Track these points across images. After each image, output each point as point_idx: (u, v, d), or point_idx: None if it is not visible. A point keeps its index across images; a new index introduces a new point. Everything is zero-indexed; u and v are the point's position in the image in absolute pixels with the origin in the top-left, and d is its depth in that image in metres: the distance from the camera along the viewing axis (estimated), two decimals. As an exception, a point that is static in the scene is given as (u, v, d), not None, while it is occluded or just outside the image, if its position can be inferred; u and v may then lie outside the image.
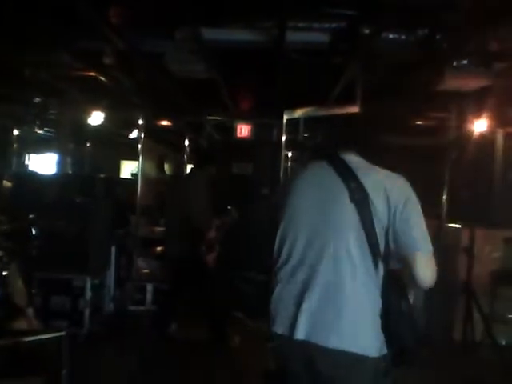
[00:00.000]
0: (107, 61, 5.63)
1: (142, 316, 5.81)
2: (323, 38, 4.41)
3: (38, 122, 8.85)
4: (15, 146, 9.57)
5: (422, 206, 2.00)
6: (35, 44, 5.09)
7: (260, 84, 6.61)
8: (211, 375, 4.23)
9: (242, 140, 8.31)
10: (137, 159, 14.37)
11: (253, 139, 8.34)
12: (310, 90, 6.29)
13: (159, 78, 5.98)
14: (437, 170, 5.96)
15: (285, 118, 7.24)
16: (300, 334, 1.92)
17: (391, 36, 4.50)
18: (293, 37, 4.33)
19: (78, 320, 4.74)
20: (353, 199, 1.95)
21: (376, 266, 1.93)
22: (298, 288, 1.98)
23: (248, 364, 4.41)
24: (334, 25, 4.38)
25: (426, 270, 1.92)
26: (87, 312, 4.78)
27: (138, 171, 12.88)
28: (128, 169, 15.63)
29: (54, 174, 7.86)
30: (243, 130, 8.22)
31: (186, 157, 10.32)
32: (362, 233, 1.93)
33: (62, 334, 2.51)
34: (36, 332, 2.49)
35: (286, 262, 2.04)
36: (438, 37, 4.60)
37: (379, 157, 2.15)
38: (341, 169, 2.03)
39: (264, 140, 8.43)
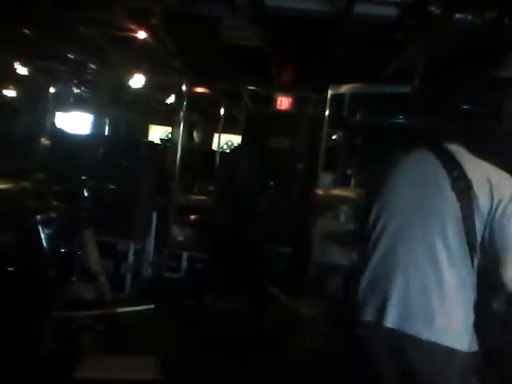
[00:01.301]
0: (154, 21, 5.54)
1: (178, 283, 5.79)
2: (390, 11, 4.25)
3: (75, 81, 8.78)
4: (51, 104, 9.51)
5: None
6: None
7: (307, 56, 6.43)
8: (245, 347, 4.17)
9: (281, 112, 8.17)
10: (166, 124, 14.34)
11: (292, 112, 8.19)
12: (359, 66, 6.11)
13: (207, 42, 5.86)
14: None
15: (329, 92, 7.07)
16: (389, 322, 1.86)
17: (458, 16, 4.32)
18: (359, 9, 4.18)
19: (120, 283, 4.72)
20: (454, 188, 1.87)
21: (472, 259, 1.85)
22: (389, 274, 1.92)
23: (282, 340, 4.39)
24: (402, -1, 4.22)
25: None
26: (129, 276, 4.77)
27: (168, 137, 12.92)
28: (156, 133, 15.60)
29: (95, 135, 7.80)
30: (283, 102, 8.07)
31: (220, 125, 10.24)
32: (461, 223, 1.85)
33: (152, 306, 2.47)
34: (128, 304, 2.46)
35: (376, 247, 1.98)
36: (506, 20, 4.41)
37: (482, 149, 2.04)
38: (444, 157, 1.95)
39: (304, 114, 8.28)
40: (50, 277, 3.20)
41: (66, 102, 10.63)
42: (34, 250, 3.35)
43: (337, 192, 6.43)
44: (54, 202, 3.97)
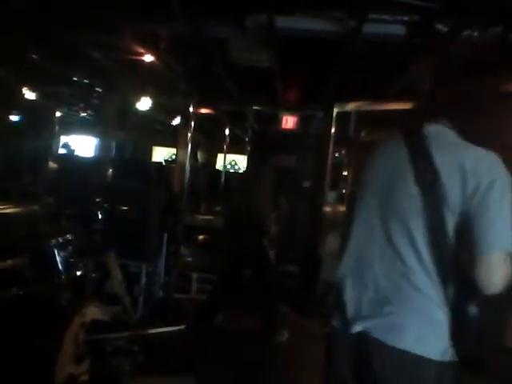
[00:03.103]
0: (162, 44, 5.60)
1: (188, 304, 5.76)
2: (398, 30, 4.29)
3: (81, 105, 8.85)
4: (57, 127, 9.57)
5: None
6: (92, 21, 5.05)
7: (313, 75, 6.48)
8: (257, 367, 4.15)
9: (286, 132, 8.21)
10: (169, 145, 14.40)
11: (297, 131, 8.24)
12: (365, 84, 6.16)
13: (213, 63, 5.91)
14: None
15: (335, 110, 7.12)
16: (357, 327, 1.73)
17: (464, 33, 4.37)
18: (368, 28, 4.21)
19: (132, 306, 4.68)
20: (418, 181, 1.67)
21: (443, 261, 1.64)
22: (359, 279, 1.80)
23: (295, 359, 4.37)
24: (410, 18, 4.27)
25: (495, 275, 1.59)
26: (141, 299, 4.74)
27: (172, 158, 12.96)
28: (159, 155, 15.67)
29: (101, 158, 7.83)
30: (288, 122, 8.12)
31: (225, 146, 10.28)
32: (427, 221, 1.64)
33: (182, 327, 2.45)
34: (159, 325, 2.44)
35: (350, 251, 1.87)
36: (511, 35, 4.47)
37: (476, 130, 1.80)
38: (413, 145, 1.74)
39: (309, 132, 8.32)
40: (66, 299, 3.18)
41: (72, 126, 10.69)
42: (49, 274, 3.34)
43: (343, 209, 6.45)
44: (68, 225, 3.97)
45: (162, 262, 5.50)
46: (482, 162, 1.63)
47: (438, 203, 1.63)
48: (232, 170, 14.64)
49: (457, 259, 1.66)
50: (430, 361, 1.63)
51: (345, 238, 1.90)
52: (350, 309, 1.78)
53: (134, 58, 6.03)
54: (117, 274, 2.90)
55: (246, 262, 4.91)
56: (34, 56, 6.16)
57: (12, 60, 6.20)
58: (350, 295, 1.81)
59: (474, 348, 1.67)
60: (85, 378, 2.38)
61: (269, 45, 4.82)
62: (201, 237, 7.27)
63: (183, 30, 4.78)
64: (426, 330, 1.66)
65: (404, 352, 1.64)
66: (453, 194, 1.62)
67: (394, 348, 1.64)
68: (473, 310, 1.65)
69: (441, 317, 1.67)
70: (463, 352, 1.66)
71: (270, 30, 4.30)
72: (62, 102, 9.26)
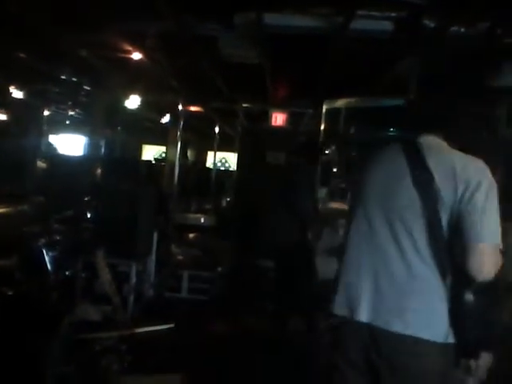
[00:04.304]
0: (151, 42, 5.57)
1: (179, 304, 5.74)
2: (386, 26, 4.30)
3: (70, 103, 8.79)
4: (44, 126, 9.50)
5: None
6: (80, 20, 5.01)
7: (303, 72, 6.48)
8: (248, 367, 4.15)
9: (276, 129, 8.20)
10: (159, 143, 14.35)
11: (287, 128, 8.23)
12: (354, 80, 6.17)
13: (203, 61, 5.89)
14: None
15: (324, 107, 7.13)
16: (363, 317, 1.89)
17: (452, 28, 4.39)
18: (356, 24, 4.22)
19: (122, 305, 4.66)
20: (416, 184, 1.88)
21: (440, 253, 1.84)
22: (361, 270, 1.96)
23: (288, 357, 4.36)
24: (397, 14, 4.28)
25: (486, 265, 1.78)
26: (131, 298, 4.72)
27: (162, 156, 12.92)
28: (149, 153, 15.63)
29: (90, 157, 7.79)
30: (278, 119, 8.11)
31: (215, 144, 10.26)
32: (426, 219, 1.85)
33: (172, 325, 2.45)
34: (148, 323, 2.43)
35: (352, 245, 2.03)
36: (498, 31, 4.49)
37: (465, 140, 2.02)
38: (409, 151, 1.96)
39: (299, 129, 8.33)
40: (55, 299, 3.16)
41: (60, 124, 10.61)
42: (38, 273, 3.32)
43: (335, 205, 6.45)
44: (56, 225, 3.95)
45: (152, 261, 5.48)
46: (470, 166, 1.86)
47: (434, 202, 1.84)
48: (222, 168, 14.62)
49: (453, 252, 1.84)
50: (435, 343, 1.80)
51: (346, 237, 2.06)
52: (356, 300, 1.93)
53: (123, 55, 6.00)
54: (106, 274, 2.89)
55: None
56: (21, 54, 6.11)
57: (-1, 59, 6.15)
58: (355, 288, 1.95)
59: (471, 332, 1.83)
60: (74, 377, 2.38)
61: (258, 42, 4.81)
62: (191, 235, 7.26)
63: (172, 28, 4.76)
64: (428, 316, 1.83)
65: (410, 337, 1.80)
66: (446, 195, 1.83)
67: (400, 335, 1.81)
68: (469, 297, 1.81)
69: (440, 303, 1.84)
70: (461, 335, 1.83)
71: (259, 27, 4.29)
72: (50, 101, 9.19)
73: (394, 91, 5.60)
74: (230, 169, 13.56)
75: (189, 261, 6.50)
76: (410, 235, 1.87)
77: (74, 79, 7.70)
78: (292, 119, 8.47)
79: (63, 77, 7.53)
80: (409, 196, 1.89)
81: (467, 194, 1.80)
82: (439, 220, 1.83)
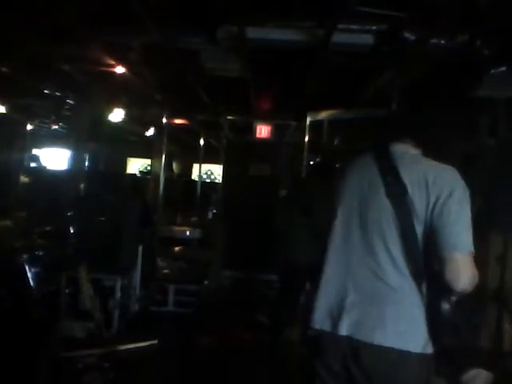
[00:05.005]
0: (134, 56, 5.57)
1: (165, 317, 5.71)
2: (367, 40, 4.35)
3: (53, 117, 8.73)
4: (27, 141, 9.43)
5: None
6: (64, 34, 5.00)
7: (286, 85, 6.53)
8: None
9: (261, 141, 8.24)
10: (144, 157, 14.31)
11: (272, 140, 8.27)
12: (337, 92, 6.23)
13: (186, 74, 5.91)
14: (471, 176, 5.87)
15: (308, 119, 7.17)
16: (343, 330, 1.88)
17: (432, 41, 4.47)
18: (337, 38, 4.27)
19: (107, 320, 4.62)
20: (389, 195, 1.88)
21: (416, 263, 1.84)
22: (340, 283, 1.95)
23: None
24: (378, 27, 4.33)
25: (463, 274, 1.77)
26: (116, 313, 4.68)
27: (147, 169, 12.88)
28: (134, 166, 15.56)
29: (74, 171, 7.73)
30: (263, 131, 8.15)
31: (199, 156, 10.26)
32: (400, 229, 1.85)
33: (155, 342, 2.42)
34: (131, 341, 2.40)
35: (330, 257, 2.02)
36: (478, 43, 4.57)
37: (436, 150, 2.02)
38: (382, 162, 1.95)
39: (283, 141, 8.37)
40: (39, 316, 3.12)
41: (43, 139, 10.54)
42: (21, 290, 3.28)
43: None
44: (40, 240, 3.91)
45: (137, 275, 5.44)
46: (442, 175, 1.86)
47: (408, 213, 1.83)
48: (208, 180, 14.60)
49: (428, 262, 1.84)
50: (412, 354, 1.80)
51: (324, 249, 2.04)
52: (333, 312, 1.92)
53: (106, 69, 6.00)
54: (88, 289, 2.86)
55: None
56: (3, 68, 6.07)
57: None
58: (332, 300, 1.95)
59: (448, 341, 1.83)
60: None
61: (240, 55, 4.84)
62: (177, 248, 7.23)
63: (155, 41, 4.78)
64: (406, 327, 1.83)
65: (390, 348, 1.80)
66: (419, 205, 1.83)
67: (378, 346, 1.81)
68: (445, 306, 1.81)
69: (418, 314, 1.84)
70: (439, 344, 1.82)
71: (241, 40, 4.32)
72: (34, 115, 9.14)
73: (377, 103, 5.66)
74: (216, 181, 13.56)
75: (175, 274, 6.48)
76: (385, 247, 1.87)
77: (58, 93, 7.69)
78: (279, 132, 8.52)
79: (46, 91, 7.51)
80: (383, 208, 1.88)
81: (439, 205, 1.80)
82: (413, 232, 1.83)
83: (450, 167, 1.89)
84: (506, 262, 5.40)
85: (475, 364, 1.96)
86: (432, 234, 1.82)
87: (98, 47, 5.15)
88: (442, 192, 1.81)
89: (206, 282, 6.48)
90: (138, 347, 2.37)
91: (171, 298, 6.00)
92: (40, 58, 5.65)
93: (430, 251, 1.83)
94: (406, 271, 1.84)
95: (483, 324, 5.50)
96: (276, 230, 6.84)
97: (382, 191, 1.89)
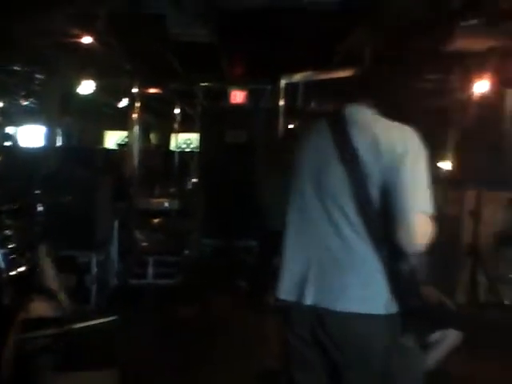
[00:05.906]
0: (99, 24, 5.39)
1: (145, 290, 5.67)
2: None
3: (22, 93, 8.50)
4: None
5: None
6: (27, 8, 4.82)
7: (258, 48, 6.38)
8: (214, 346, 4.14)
9: (236, 107, 8.09)
10: (122, 129, 14.10)
11: (246, 106, 8.13)
12: (310, 54, 6.10)
13: (154, 41, 5.75)
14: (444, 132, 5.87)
15: (282, 82, 7.04)
16: (308, 300, 1.86)
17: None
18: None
19: (85, 297, 4.58)
20: (342, 160, 1.83)
21: (373, 226, 1.81)
22: (302, 253, 1.93)
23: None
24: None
25: (414, 235, 1.74)
26: (94, 288, 4.63)
27: (124, 141, 12.69)
28: (112, 139, 15.31)
29: (47, 147, 7.57)
30: (237, 96, 8.00)
31: (176, 125, 10.10)
32: (355, 194, 1.81)
33: (114, 318, 2.37)
34: (88, 318, 2.35)
35: (291, 227, 1.99)
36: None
37: (397, 110, 1.95)
38: (334, 126, 1.90)
39: (259, 107, 8.23)
40: (8, 298, 3.05)
41: (17, 116, 10.28)
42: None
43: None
44: (7, 220, 3.81)
45: (114, 249, 5.38)
46: (395, 136, 1.80)
47: (361, 178, 1.79)
48: (188, 150, 14.42)
49: (385, 224, 1.80)
50: (376, 316, 1.79)
51: (285, 217, 2.01)
52: (298, 282, 1.90)
53: (73, 40, 5.82)
54: (49, 269, 2.79)
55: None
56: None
57: None
58: (296, 270, 1.92)
59: (410, 298, 1.81)
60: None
61: (206, 19, 4.69)
62: (155, 220, 7.15)
63: (118, 7, 4.63)
64: (367, 291, 1.81)
65: (353, 313, 1.79)
66: (372, 168, 1.78)
67: (342, 313, 1.79)
68: (404, 266, 1.81)
69: (379, 276, 1.81)
70: (401, 303, 1.81)
71: (207, 2, 4.18)
72: (3, 92, 8.89)
73: (350, 63, 5.55)
74: (196, 150, 13.36)
75: (154, 246, 6.42)
76: (342, 211, 1.84)
77: (26, 68, 7.47)
78: (255, 97, 8.37)
79: (15, 67, 7.29)
80: (337, 174, 1.84)
81: (393, 166, 1.75)
82: (368, 195, 1.80)
83: (405, 127, 1.82)
84: (481, 216, 5.45)
85: (443, 324, 1.93)
86: (387, 195, 1.78)
87: (63, 18, 4.98)
88: (397, 152, 1.75)
89: (187, 252, 6.43)
90: (97, 324, 2.33)
91: (150, 270, 5.95)
92: (6, 33, 5.45)
93: (388, 214, 1.79)
94: (364, 236, 1.81)
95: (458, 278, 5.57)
96: (253, 195, 6.81)
97: (334, 157, 1.85)
